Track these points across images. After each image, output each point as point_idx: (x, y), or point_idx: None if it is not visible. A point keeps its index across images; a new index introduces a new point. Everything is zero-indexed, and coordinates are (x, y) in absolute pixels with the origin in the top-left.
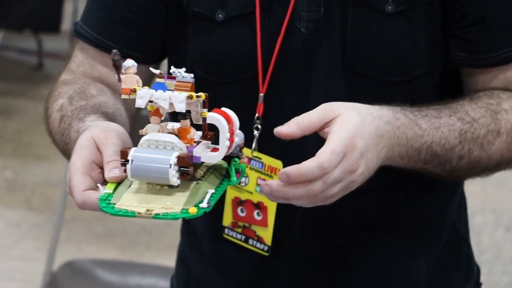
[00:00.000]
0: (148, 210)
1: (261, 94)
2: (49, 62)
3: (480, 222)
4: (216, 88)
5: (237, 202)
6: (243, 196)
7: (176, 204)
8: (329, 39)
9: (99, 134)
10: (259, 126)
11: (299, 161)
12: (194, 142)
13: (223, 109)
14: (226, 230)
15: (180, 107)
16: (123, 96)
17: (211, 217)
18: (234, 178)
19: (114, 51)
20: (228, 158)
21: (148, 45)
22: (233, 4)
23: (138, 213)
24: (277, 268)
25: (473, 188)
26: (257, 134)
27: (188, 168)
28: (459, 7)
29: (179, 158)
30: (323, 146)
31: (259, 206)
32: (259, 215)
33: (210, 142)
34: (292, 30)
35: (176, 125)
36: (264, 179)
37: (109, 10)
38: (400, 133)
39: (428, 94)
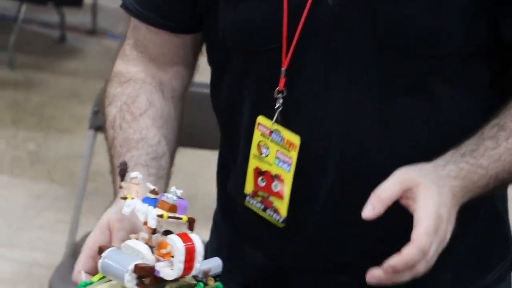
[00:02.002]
0: None
1: (283, 69)
2: (71, 35)
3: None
4: (244, 59)
5: (258, 172)
6: (263, 167)
7: None
8: (357, 11)
9: (114, 223)
10: (281, 100)
11: (318, 137)
12: (172, 256)
13: (192, 236)
14: (247, 198)
15: (151, 223)
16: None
17: (239, 185)
18: None
19: (122, 161)
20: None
21: (184, 16)
22: None
23: None
24: (292, 240)
25: None
26: (280, 107)
27: (144, 278)
28: None
29: (137, 267)
30: (416, 228)
31: (277, 178)
32: (276, 187)
33: None
34: (319, 1)
35: (160, 238)
36: (283, 153)
37: None
38: (467, 181)
39: (477, 74)
